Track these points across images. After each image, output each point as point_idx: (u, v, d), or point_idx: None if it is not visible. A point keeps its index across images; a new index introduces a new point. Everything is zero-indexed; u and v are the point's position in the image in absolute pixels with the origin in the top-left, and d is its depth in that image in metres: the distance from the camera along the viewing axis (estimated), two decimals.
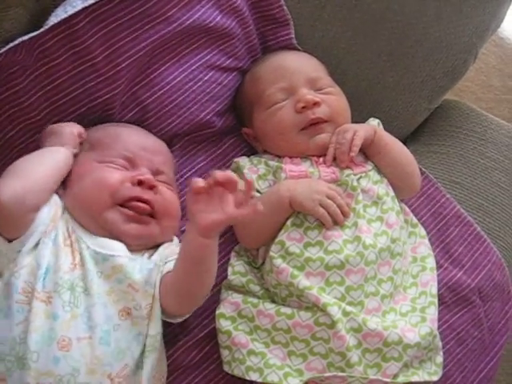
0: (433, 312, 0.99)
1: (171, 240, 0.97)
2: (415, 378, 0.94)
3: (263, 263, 1.00)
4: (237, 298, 0.98)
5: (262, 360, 0.93)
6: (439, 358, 0.99)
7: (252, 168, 1.04)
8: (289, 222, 0.97)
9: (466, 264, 1.13)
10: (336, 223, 0.95)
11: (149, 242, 0.92)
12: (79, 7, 0.95)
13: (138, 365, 0.85)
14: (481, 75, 2.07)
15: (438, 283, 1.06)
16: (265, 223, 0.98)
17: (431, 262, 1.05)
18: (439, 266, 1.09)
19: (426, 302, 1.00)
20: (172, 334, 0.98)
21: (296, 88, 1.03)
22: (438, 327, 1.01)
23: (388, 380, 0.91)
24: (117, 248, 0.88)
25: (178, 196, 1.00)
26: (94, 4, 0.97)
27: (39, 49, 0.97)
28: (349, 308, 0.92)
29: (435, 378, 0.97)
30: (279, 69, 1.06)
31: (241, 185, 0.82)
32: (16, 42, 0.91)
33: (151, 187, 0.91)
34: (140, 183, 0.90)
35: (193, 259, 0.86)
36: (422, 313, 0.98)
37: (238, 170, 1.06)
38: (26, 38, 0.92)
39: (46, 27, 0.94)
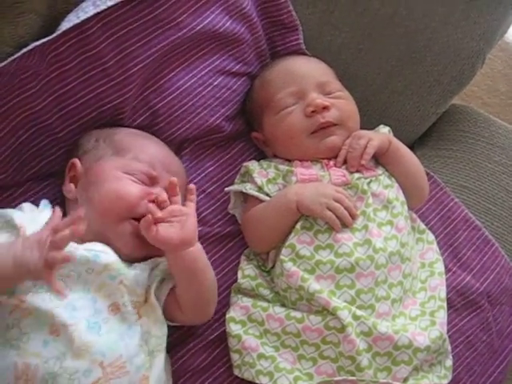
0: (442, 316, 0.99)
1: None
2: (425, 382, 0.94)
3: (273, 267, 1.01)
4: (247, 301, 0.98)
5: (272, 364, 0.93)
6: (449, 362, 0.99)
7: (262, 172, 1.05)
8: (298, 226, 0.97)
9: (474, 268, 1.12)
10: (345, 226, 0.96)
11: (146, 258, 0.93)
12: (91, 13, 0.96)
13: (141, 363, 0.85)
14: (487, 80, 2.06)
15: (447, 287, 1.06)
16: (273, 227, 0.99)
17: (439, 267, 1.05)
18: (448, 270, 1.09)
19: (435, 305, 1.00)
20: (181, 337, 0.99)
21: (306, 92, 1.03)
22: (447, 331, 1.01)
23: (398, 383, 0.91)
24: (107, 249, 0.90)
25: None
26: (106, 10, 0.97)
27: (51, 54, 0.97)
28: (359, 312, 0.92)
29: (445, 382, 0.97)
30: (289, 73, 1.06)
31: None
32: (29, 47, 0.92)
33: (162, 208, 0.91)
34: (155, 201, 0.91)
35: (184, 275, 0.90)
36: (432, 316, 0.98)
37: (248, 174, 1.06)
38: (38, 43, 0.93)
39: (59, 32, 0.95)
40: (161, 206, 0.90)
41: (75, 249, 0.88)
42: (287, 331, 0.94)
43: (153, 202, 0.91)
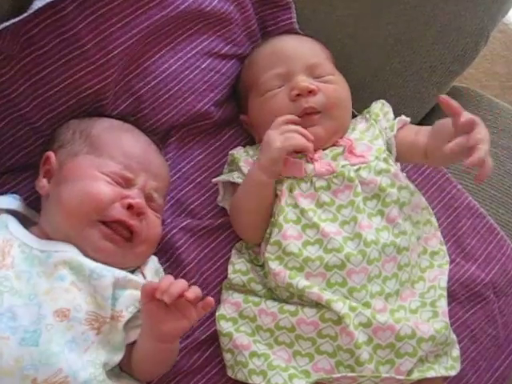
0: (443, 304, 0.95)
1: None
2: (431, 374, 0.90)
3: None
4: (237, 297, 0.95)
5: (266, 362, 0.90)
6: (455, 351, 0.95)
7: (248, 160, 1.00)
8: (281, 219, 0.92)
9: (479, 258, 1.09)
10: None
11: (116, 264, 0.88)
12: None
13: (89, 377, 0.79)
14: (485, 62, 2.04)
15: (450, 279, 1.03)
16: (252, 208, 0.95)
17: (439, 259, 1.01)
18: (451, 261, 1.05)
19: (436, 295, 0.96)
20: None
21: (293, 74, 0.98)
22: (451, 325, 0.97)
23: (402, 377, 0.87)
24: (68, 248, 0.86)
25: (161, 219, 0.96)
26: None
27: (25, 36, 0.92)
28: (354, 303, 0.88)
29: (453, 373, 0.93)
30: (276, 53, 1.01)
31: None
32: (0, 26, 0.86)
33: (139, 214, 0.88)
34: (129, 207, 0.87)
35: (152, 360, 0.87)
36: (433, 307, 0.94)
37: (234, 163, 1.02)
38: (9, 23, 0.87)
39: (31, 11, 0.89)
40: (135, 212, 0.87)
41: (30, 249, 0.85)
42: (280, 326, 0.91)
43: (129, 207, 0.87)
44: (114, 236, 0.87)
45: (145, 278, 0.91)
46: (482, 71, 2.00)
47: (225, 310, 0.94)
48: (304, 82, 0.96)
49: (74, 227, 0.86)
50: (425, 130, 0.99)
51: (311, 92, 0.96)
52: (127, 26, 0.98)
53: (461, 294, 1.05)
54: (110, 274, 0.84)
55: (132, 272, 0.90)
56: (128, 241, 0.88)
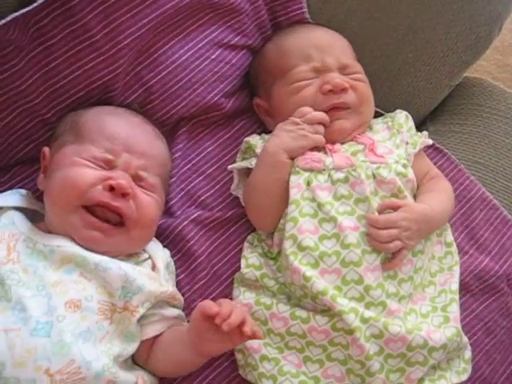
0: (455, 310, 0.95)
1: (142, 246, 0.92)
2: (442, 383, 0.89)
3: (279, 253, 0.95)
4: (249, 298, 0.94)
5: (276, 367, 0.89)
6: (467, 353, 0.95)
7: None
8: (296, 213, 0.91)
9: (492, 250, 1.08)
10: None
11: (114, 252, 0.87)
12: None
13: (102, 368, 0.78)
14: (496, 54, 2.02)
15: (464, 271, 1.02)
16: (268, 190, 0.95)
17: (448, 262, 1.00)
18: (464, 253, 1.05)
19: (447, 299, 0.96)
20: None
21: (327, 70, 0.99)
22: (465, 317, 0.98)
23: None
24: (68, 243, 0.85)
25: (163, 200, 0.95)
26: None
27: (34, 27, 0.92)
28: (368, 313, 0.87)
29: (464, 377, 0.92)
30: (312, 46, 1.01)
31: None
32: (8, 17, 0.86)
33: (123, 194, 0.86)
34: (112, 189, 0.85)
35: (179, 366, 0.88)
36: (444, 312, 0.94)
37: (250, 150, 1.02)
38: (18, 13, 0.87)
39: (40, 2, 0.89)
40: (119, 192, 0.85)
41: (34, 243, 0.84)
42: (292, 332, 0.90)
43: (112, 189, 0.85)
44: (101, 224, 0.85)
45: (156, 268, 0.90)
46: (493, 63, 1.99)
47: None
48: (338, 78, 0.97)
49: (59, 216, 0.86)
50: (426, 193, 0.99)
51: (343, 90, 0.97)
52: (137, 16, 0.97)
53: (474, 286, 1.03)
54: (115, 266, 0.84)
55: (142, 262, 0.90)
56: (120, 226, 0.86)
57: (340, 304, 0.87)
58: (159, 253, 0.93)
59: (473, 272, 1.04)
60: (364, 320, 0.86)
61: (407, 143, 1.02)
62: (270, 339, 0.91)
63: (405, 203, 0.91)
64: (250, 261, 0.97)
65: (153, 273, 0.88)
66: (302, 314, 0.90)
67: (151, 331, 0.87)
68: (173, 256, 0.97)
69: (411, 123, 1.06)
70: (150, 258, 0.91)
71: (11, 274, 0.80)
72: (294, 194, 0.93)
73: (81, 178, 0.85)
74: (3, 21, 0.85)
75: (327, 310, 0.88)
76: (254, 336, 0.81)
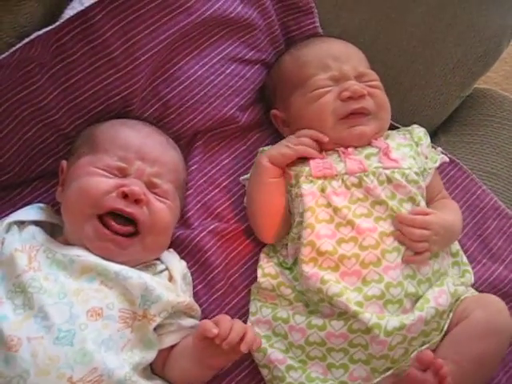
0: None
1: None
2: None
3: (294, 263, 0.96)
4: (267, 314, 0.95)
5: (303, 374, 0.89)
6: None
7: None
8: (312, 220, 0.92)
9: (506, 258, 1.08)
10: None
11: (131, 261, 0.88)
12: None
13: (124, 376, 0.79)
14: (504, 65, 2.02)
15: (478, 279, 1.03)
16: (263, 200, 0.97)
17: (456, 273, 1.01)
18: (477, 262, 1.06)
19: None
20: None
21: (345, 78, 1.01)
22: None
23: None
24: (86, 253, 0.85)
25: (178, 207, 0.96)
26: None
27: (55, 44, 0.94)
28: (381, 314, 0.87)
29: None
30: (330, 56, 1.03)
31: None
32: (31, 36, 0.88)
33: (137, 201, 0.86)
34: (125, 196, 0.85)
35: (191, 378, 0.88)
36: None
37: None
38: (41, 32, 0.89)
39: (62, 20, 0.91)
40: (132, 199, 0.85)
41: (53, 253, 0.85)
42: (311, 341, 0.90)
43: (125, 196, 0.85)
44: (114, 237, 0.85)
45: (173, 279, 0.90)
46: (501, 74, 1.99)
47: (258, 328, 0.94)
48: (356, 85, 0.99)
49: (75, 226, 0.87)
50: (444, 209, 1.01)
51: (361, 96, 0.99)
52: (154, 32, 0.99)
53: None
54: (135, 275, 0.84)
55: (159, 273, 0.90)
56: (134, 236, 0.87)
57: (354, 306, 0.87)
58: (176, 264, 0.94)
59: (487, 280, 1.04)
60: (380, 317, 0.87)
61: (426, 157, 1.03)
62: (293, 353, 0.91)
63: (436, 211, 0.94)
64: (267, 270, 0.97)
65: (170, 284, 0.89)
66: (318, 322, 0.90)
67: (169, 341, 0.88)
68: (190, 267, 0.98)
69: (429, 140, 1.07)
70: (166, 269, 0.92)
71: (33, 281, 0.81)
72: (309, 201, 0.94)
73: (95, 186, 0.86)
74: (28, 39, 0.87)
75: (344, 313, 0.89)
76: (253, 347, 0.83)
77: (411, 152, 1.00)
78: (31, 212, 0.93)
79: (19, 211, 0.94)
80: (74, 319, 0.79)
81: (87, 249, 0.86)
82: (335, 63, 1.02)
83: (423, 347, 0.88)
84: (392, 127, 1.09)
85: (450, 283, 0.93)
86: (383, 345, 0.86)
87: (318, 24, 1.12)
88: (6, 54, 0.87)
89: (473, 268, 1.02)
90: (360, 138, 0.99)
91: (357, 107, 0.99)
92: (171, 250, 0.96)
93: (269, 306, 0.96)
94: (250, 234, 1.03)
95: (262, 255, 1.01)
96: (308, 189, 0.95)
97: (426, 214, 0.93)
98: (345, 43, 1.08)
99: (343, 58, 1.03)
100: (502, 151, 1.21)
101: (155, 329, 0.86)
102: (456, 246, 1.02)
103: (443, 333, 0.89)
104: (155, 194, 0.90)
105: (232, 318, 0.94)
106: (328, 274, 0.90)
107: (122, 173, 0.88)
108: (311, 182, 0.96)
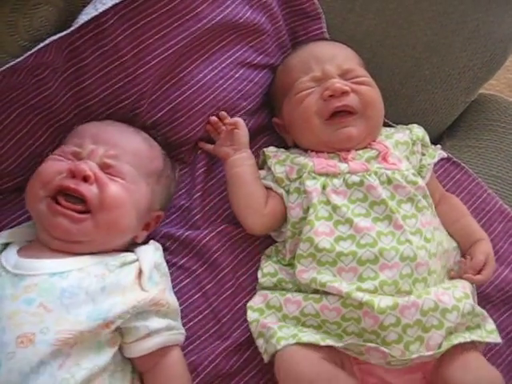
0: (464, 283, 0.95)
1: (123, 246, 0.91)
2: (459, 340, 0.87)
3: (293, 258, 0.97)
4: (266, 291, 0.96)
5: (296, 329, 0.89)
6: (490, 325, 0.93)
7: (276, 155, 1.03)
8: (313, 217, 0.93)
9: None
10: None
11: (91, 245, 0.86)
12: (109, 4, 0.93)
13: None
14: (507, 73, 2.03)
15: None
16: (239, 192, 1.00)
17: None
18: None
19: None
20: (210, 338, 0.96)
21: (327, 77, 1.00)
22: None
23: (431, 352, 0.86)
24: (45, 266, 0.83)
25: (142, 192, 0.92)
26: (124, 1, 0.94)
27: (68, 48, 0.95)
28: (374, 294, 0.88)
29: (489, 340, 0.90)
30: (312, 58, 1.03)
31: None
32: (46, 41, 0.89)
33: (85, 178, 0.85)
34: (73, 175, 0.85)
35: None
36: (452, 283, 0.94)
37: (264, 161, 1.05)
38: (56, 37, 0.90)
39: (76, 26, 0.92)
40: (79, 177, 0.85)
41: (6, 272, 0.82)
42: (305, 313, 0.91)
43: (74, 176, 0.85)
44: (65, 211, 0.84)
45: (141, 272, 0.87)
46: (503, 82, 1.99)
47: (253, 301, 0.95)
48: (338, 83, 0.98)
49: (32, 210, 0.87)
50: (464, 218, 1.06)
51: (344, 93, 0.98)
52: (164, 37, 1.00)
53: (496, 297, 1.04)
54: (82, 291, 0.81)
55: (129, 264, 0.87)
56: (86, 212, 0.85)
57: (345, 287, 0.88)
58: (149, 255, 0.90)
59: (493, 283, 1.04)
60: (373, 295, 0.87)
61: (423, 154, 1.04)
62: (286, 323, 0.91)
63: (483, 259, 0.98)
64: (265, 270, 0.98)
65: (129, 281, 0.85)
66: (315, 295, 0.91)
67: (137, 351, 0.84)
68: (199, 267, 0.99)
69: (427, 138, 1.07)
70: (137, 260, 0.88)
71: None
72: (313, 198, 0.95)
73: (47, 169, 0.87)
74: (43, 44, 0.88)
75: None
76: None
77: (406, 152, 1.01)
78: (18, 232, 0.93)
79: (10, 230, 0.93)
80: (3, 347, 0.75)
81: (48, 248, 0.85)
82: (317, 64, 1.01)
83: (422, 346, 0.86)
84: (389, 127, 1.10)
85: (458, 291, 0.92)
86: (375, 320, 0.86)
87: (325, 29, 1.14)
88: (21, 58, 0.88)
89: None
90: (348, 140, 0.98)
91: (339, 105, 0.97)
92: (152, 241, 0.95)
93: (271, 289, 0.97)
94: (257, 237, 1.04)
95: (262, 257, 1.01)
96: (312, 185, 0.96)
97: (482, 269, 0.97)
98: (331, 43, 1.08)
99: (326, 58, 1.02)
100: (507, 155, 1.22)
101: (123, 336, 0.83)
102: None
103: (444, 333, 0.88)
104: (109, 173, 0.88)
105: (240, 318, 0.97)
106: (324, 269, 0.91)
107: (76, 157, 0.89)
108: (314, 178, 0.96)
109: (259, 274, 0.98)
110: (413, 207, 0.95)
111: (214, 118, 1.05)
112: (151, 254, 0.91)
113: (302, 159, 1.00)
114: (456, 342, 0.87)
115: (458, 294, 0.90)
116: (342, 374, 0.85)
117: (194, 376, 0.93)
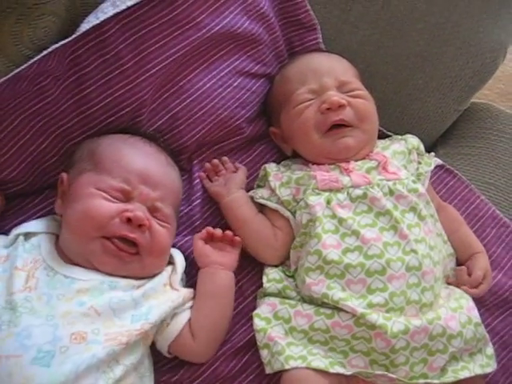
0: (465, 304, 0.96)
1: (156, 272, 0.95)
2: (465, 374, 0.91)
3: (296, 270, 0.98)
4: (274, 300, 0.96)
5: (305, 349, 0.90)
6: (489, 350, 0.96)
7: (277, 175, 1.03)
8: (320, 229, 0.94)
9: (505, 265, 1.10)
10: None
11: (129, 275, 0.91)
12: (111, 13, 0.94)
13: None
14: (499, 83, 2.05)
15: None
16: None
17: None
18: None
19: (457, 294, 0.98)
20: None
21: (324, 89, 1.02)
22: None
23: (437, 381, 0.88)
24: (90, 276, 0.88)
25: (175, 228, 0.98)
26: (125, 10, 0.96)
27: (70, 57, 0.96)
28: (387, 314, 0.89)
29: (489, 370, 0.94)
30: (309, 69, 1.05)
31: None
32: (49, 49, 0.91)
33: (140, 226, 0.89)
34: (129, 221, 0.88)
35: (215, 294, 0.94)
36: (457, 301, 0.96)
37: (265, 178, 1.05)
38: (58, 45, 0.91)
39: (78, 34, 0.94)
40: (135, 224, 0.89)
41: (54, 272, 0.86)
42: (315, 327, 0.91)
43: (128, 220, 0.88)
44: (119, 253, 0.88)
45: (175, 271, 0.95)
46: (496, 92, 2.01)
47: (260, 309, 0.95)
48: (335, 96, 1.00)
49: (78, 244, 0.89)
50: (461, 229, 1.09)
51: (341, 106, 1.00)
52: (164, 46, 1.01)
53: (489, 301, 1.05)
54: (128, 297, 0.87)
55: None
56: (135, 254, 0.90)
57: (361, 308, 0.89)
58: (181, 259, 0.97)
59: None
60: (386, 318, 0.88)
61: (420, 163, 1.06)
62: (293, 337, 0.92)
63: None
64: (271, 276, 0.99)
65: (165, 286, 0.92)
66: (327, 310, 0.92)
67: (172, 333, 0.91)
68: (198, 271, 0.98)
69: (422, 146, 1.10)
70: (170, 263, 0.95)
71: (25, 302, 0.82)
72: (316, 211, 0.96)
73: (99, 212, 0.88)
74: (46, 51, 0.90)
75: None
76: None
77: (403, 161, 1.03)
78: (44, 223, 0.95)
79: (31, 222, 0.95)
80: (57, 341, 0.80)
81: (86, 267, 0.88)
82: (314, 76, 1.03)
83: (425, 367, 0.89)
84: (384, 135, 1.12)
85: (464, 315, 0.93)
86: (387, 343, 0.88)
87: (320, 40, 1.16)
88: (25, 66, 0.90)
89: None
90: (346, 150, 1.00)
91: (336, 119, 0.99)
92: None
93: (276, 298, 0.97)
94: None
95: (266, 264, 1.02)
96: (315, 200, 0.97)
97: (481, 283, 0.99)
98: (328, 55, 1.10)
99: (323, 70, 1.04)
100: (499, 162, 1.24)
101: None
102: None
103: (448, 357, 0.90)
104: (156, 217, 0.93)
105: (239, 321, 0.98)
106: (333, 282, 0.92)
107: (126, 196, 0.91)
108: (318, 194, 0.98)
109: (264, 279, 0.99)
110: (415, 216, 0.97)
111: (215, 161, 1.07)
112: (181, 257, 0.98)
113: (304, 177, 1.00)
114: (462, 376, 0.90)
115: (464, 319, 0.93)
116: None
117: (193, 379, 0.94)
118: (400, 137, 1.10)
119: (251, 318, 0.96)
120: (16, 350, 0.78)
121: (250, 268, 1.03)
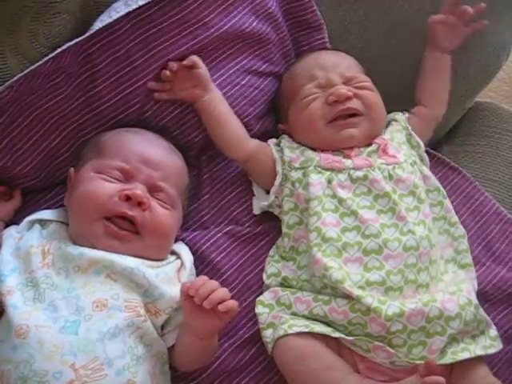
0: (467, 286, 0.97)
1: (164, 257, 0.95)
2: (465, 355, 0.91)
3: (297, 252, 1.00)
4: (277, 287, 0.98)
5: (308, 321, 0.92)
6: (493, 332, 0.96)
7: (290, 140, 1.07)
8: (319, 208, 0.97)
9: (509, 261, 1.11)
10: None
11: (133, 255, 0.91)
12: (123, 12, 0.96)
13: (123, 366, 0.81)
14: (504, 86, 2.06)
15: (482, 282, 1.05)
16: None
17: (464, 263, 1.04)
18: (481, 265, 1.09)
19: (459, 278, 1.00)
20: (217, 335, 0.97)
21: (332, 84, 1.04)
22: None
23: (434, 355, 0.89)
24: (103, 253, 0.89)
25: (180, 213, 0.99)
26: (137, 9, 0.98)
27: (83, 54, 0.98)
28: (383, 298, 0.91)
29: (492, 351, 0.94)
30: (317, 66, 1.07)
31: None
32: (64, 47, 0.93)
33: (139, 204, 0.90)
34: (128, 199, 0.89)
35: (190, 354, 0.90)
36: (457, 285, 0.97)
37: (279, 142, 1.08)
38: (72, 43, 0.94)
39: (91, 31, 0.96)
40: (135, 202, 0.89)
41: (65, 245, 0.88)
42: (314, 313, 0.93)
43: (128, 199, 0.89)
44: (119, 232, 0.89)
45: (183, 266, 0.95)
46: (501, 94, 2.02)
47: (263, 296, 0.98)
48: (342, 89, 1.02)
49: (82, 227, 0.91)
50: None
51: (348, 99, 1.02)
52: (174, 45, 1.03)
53: (493, 296, 1.06)
54: (140, 272, 0.88)
55: (170, 263, 0.94)
56: (136, 233, 0.90)
57: (357, 290, 0.90)
58: (189, 253, 0.98)
59: (491, 282, 1.07)
60: (381, 301, 0.90)
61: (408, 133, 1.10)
62: (294, 322, 0.93)
63: None
64: (269, 271, 1.01)
65: (175, 277, 0.92)
66: (324, 297, 0.93)
67: (171, 339, 0.90)
68: (206, 266, 1.01)
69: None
70: (178, 258, 0.96)
71: (46, 278, 0.85)
72: (317, 190, 0.98)
73: (98, 190, 0.90)
74: (60, 49, 0.92)
75: (347, 296, 0.92)
76: (232, 313, 0.83)
77: (403, 137, 1.06)
78: (53, 213, 0.97)
79: (45, 211, 0.98)
80: (80, 311, 0.83)
81: (93, 247, 0.89)
82: (321, 72, 1.06)
83: (424, 350, 0.90)
84: None
85: (463, 297, 0.94)
86: (382, 327, 0.89)
87: (326, 39, 1.17)
88: (40, 63, 0.92)
89: (477, 270, 1.05)
90: (350, 140, 1.03)
91: (343, 108, 1.02)
92: (180, 241, 1.00)
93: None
94: (264, 237, 1.06)
95: (267, 260, 1.04)
96: (316, 179, 0.99)
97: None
98: (335, 53, 1.12)
99: (330, 67, 1.07)
100: (504, 160, 1.25)
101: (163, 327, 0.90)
102: (455, 217, 1.06)
103: (446, 339, 0.91)
104: (158, 199, 0.93)
105: (247, 315, 0.99)
106: (330, 261, 0.93)
107: (125, 175, 0.92)
108: (319, 172, 1.00)
109: (264, 276, 1.01)
110: (415, 200, 0.99)
111: (168, 70, 1.01)
112: (189, 251, 0.98)
113: (310, 153, 1.03)
114: (462, 357, 0.90)
115: (463, 301, 0.93)
116: (345, 366, 0.90)
117: (200, 372, 0.95)
118: (389, 117, 1.12)
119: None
120: (45, 321, 0.81)
121: (256, 263, 1.04)
